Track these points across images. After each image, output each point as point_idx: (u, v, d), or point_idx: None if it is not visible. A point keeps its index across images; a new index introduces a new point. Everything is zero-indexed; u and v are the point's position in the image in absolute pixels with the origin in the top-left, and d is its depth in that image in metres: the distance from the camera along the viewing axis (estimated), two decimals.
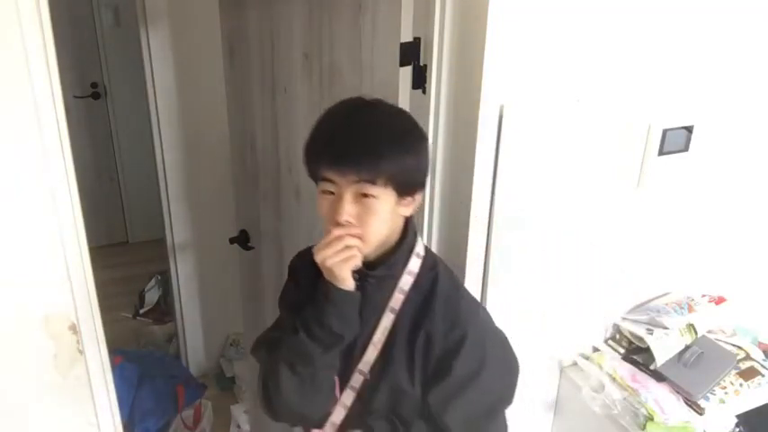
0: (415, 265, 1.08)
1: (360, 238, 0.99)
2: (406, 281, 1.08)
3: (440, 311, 1.06)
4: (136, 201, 4.21)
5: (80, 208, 1.06)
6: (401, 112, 1.07)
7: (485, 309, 1.20)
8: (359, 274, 1.04)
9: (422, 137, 1.05)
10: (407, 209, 1.05)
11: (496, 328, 1.14)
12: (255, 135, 1.96)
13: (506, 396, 1.12)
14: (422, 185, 1.06)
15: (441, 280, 1.09)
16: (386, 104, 1.04)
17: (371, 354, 1.08)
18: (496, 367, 1.08)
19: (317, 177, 1.01)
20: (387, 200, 0.99)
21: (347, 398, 1.11)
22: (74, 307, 1.09)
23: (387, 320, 1.08)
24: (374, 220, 0.99)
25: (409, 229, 1.08)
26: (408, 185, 1.02)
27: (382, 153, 0.96)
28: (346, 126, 0.98)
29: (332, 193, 0.99)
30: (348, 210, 0.97)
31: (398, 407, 1.09)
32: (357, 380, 1.10)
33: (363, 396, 1.10)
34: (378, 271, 1.06)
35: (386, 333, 1.08)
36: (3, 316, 1.04)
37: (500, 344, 1.13)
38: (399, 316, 1.08)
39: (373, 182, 0.96)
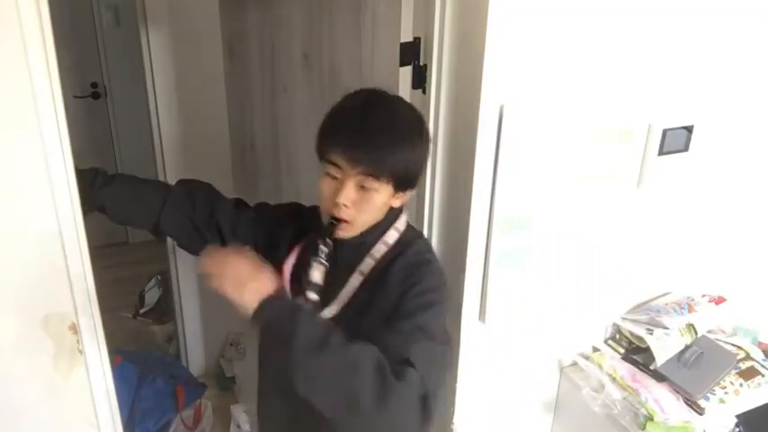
0: (391, 237, 1.16)
1: (349, 222, 1.09)
2: (379, 249, 1.15)
3: (400, 265, 1.12)
4: None
5: (80, 208, 1.06)
6: (414, 113, 1.12)
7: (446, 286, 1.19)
8: (333, 242, 1.12)
9: (427, 140, 1.14)
10: (398, 201, 1.15)
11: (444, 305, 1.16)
12: (255, 135, 1.96)
13: (445, 340, 1.12)
14: (416, 184, 1.15)
15: (413, 247, 1.16)
16: (402, 104, 1.13)
17: (334, 308, 1.15)
18: (438, 314, 1.10)
19: (324, 158, 1.08)
20: (384, 193, 1.09)
21: None
22: (74, 307, 1.09)
23: (354, 281, 1.14)
24: (369, 208, 1.09)
25: (391, 211, 1.15)
26: (406, 183, 1.11)
27: (391, 154, 1.05)
28: (363, 120, 1.05)
29: (335, 177, 1.07)
30: (349, 195, 1.06)
31: None
32: None
33: None
34: (351, 239, 1.13)
35: (351, 293, 1.14)
36: (2, 316, 1.04)
37: (442, 310, 1.13)
38: (367, 279, 1.14)
39: (377, 177, 1.05)
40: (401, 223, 1.18)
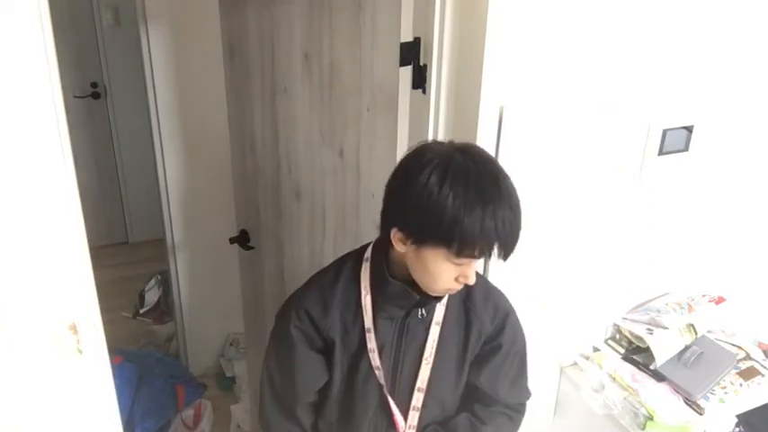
0: None
1: None
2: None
3: (481, 304, 1.15)
4: (136, 201, 4.21)
5: (80, 208, 1.06)
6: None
7: None
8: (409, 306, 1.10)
9: None
10: None
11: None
12: (255, 135, 1.96)
13: (526, 353, 1.25)
14: None
15: None
16: (507, 178, 1.03)
17: (426, 371, 1.13)
18: (522, 333, 1.22)
19: (459, 254, 0.97)
20: None
21: (413, 419, 1.16)
22: (74, 307, 1.09)
23: (434, 334, 1.13)
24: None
25: None
26: None
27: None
28: (506, 216, 0.97)
29: (460, 264, 1.00)
30: (474, 273, 1.05)
31: (445, 411, 1.19)
32: (418, 398, 1.15)
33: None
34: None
35: (435, 346, 1.13)
36: (2, 316, 1.04)
37: (515, 312, 1.23)
38: (443, 326, 1.13)
39: None
40: None
